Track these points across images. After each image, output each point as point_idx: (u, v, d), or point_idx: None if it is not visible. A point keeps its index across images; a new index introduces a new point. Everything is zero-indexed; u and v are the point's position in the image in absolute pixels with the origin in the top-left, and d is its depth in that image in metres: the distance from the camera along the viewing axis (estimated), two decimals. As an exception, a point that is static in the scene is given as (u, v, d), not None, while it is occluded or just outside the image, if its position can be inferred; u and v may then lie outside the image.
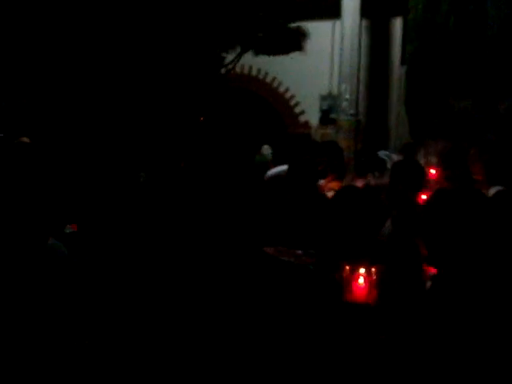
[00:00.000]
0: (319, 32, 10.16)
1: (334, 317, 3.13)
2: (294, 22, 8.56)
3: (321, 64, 10.12)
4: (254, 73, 10.78)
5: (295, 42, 8.59)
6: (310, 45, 10.15)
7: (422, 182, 4.71)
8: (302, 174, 4.68)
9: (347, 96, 9.53)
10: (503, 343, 2.45)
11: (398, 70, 9.95)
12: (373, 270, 3.22)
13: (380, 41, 10.12)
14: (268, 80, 10.78)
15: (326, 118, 10.21)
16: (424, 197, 4.88)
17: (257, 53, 6.59)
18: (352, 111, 9.55)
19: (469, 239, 2.63)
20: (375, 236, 3.72)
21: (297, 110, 10.66)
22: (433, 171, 5.45)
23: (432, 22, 8.77)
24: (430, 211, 2.84)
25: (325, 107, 10.22)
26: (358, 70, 9.60)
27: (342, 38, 9.58)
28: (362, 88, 9.80)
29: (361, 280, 3.17)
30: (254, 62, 10.31)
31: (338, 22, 9.77)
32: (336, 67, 9.84)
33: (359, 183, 5.52)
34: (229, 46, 5.90)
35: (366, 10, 9.60)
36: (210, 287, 3.79)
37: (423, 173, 4.79)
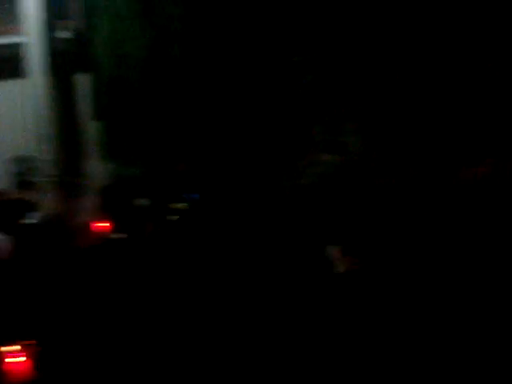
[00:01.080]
0: (5, 93, 9.74)
1: None
2: None
3: (11, 125, 9.64)
4: None
5: None
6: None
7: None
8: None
9: (44, 156, 9.22)
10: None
11: (91, 124, 9.83)
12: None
13: (69, 98, 9.92)
14: None
15: (23, 181, 9.70)
16: None
17: None
18: (52, 171, 9.24)
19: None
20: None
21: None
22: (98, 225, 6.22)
23: (122, 77, 8.92)
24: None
25: (20, 170, 9.70)
26: (52, 129, 9.36)
27: (32, 98, 9.28)
28: (58, 146, 9.54)
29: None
30: None
31: (24, 81, 9.46)
32: (28, 127, 9.45)
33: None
34: None
35: (50, 69, 9.44)
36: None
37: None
